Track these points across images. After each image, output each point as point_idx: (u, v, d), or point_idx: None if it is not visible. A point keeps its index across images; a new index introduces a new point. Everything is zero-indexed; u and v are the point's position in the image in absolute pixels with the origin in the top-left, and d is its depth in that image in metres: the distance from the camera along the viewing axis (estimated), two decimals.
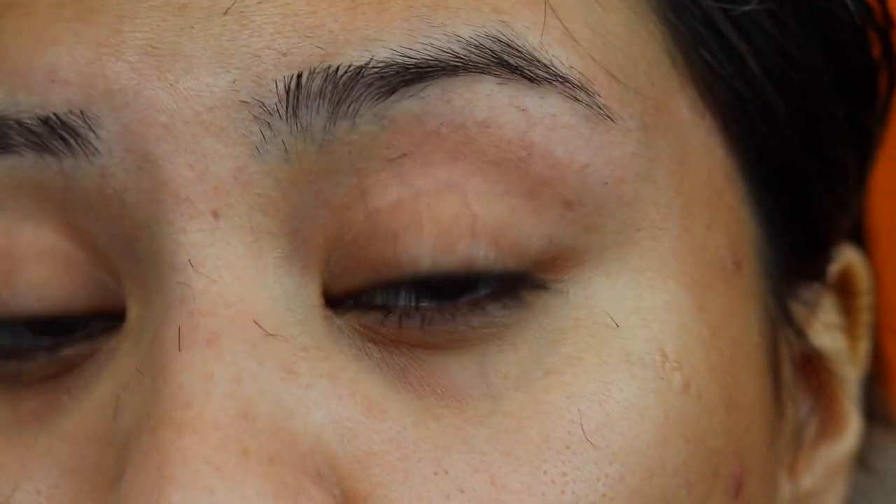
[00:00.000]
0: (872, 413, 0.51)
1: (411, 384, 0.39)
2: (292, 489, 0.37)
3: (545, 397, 0.39)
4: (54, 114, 0.39)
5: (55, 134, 0.39)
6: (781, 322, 0.45)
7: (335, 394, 0.38)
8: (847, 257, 0.48)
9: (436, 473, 0.38)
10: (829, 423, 0.47)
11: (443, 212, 0.38)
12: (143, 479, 0.36)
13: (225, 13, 0.38)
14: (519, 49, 0.39)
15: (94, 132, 0.38)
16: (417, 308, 0.39)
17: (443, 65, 0.38)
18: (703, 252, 0.42)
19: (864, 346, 0.48)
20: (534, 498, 0.38)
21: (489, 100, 0.39)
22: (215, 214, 0.38)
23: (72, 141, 0.39)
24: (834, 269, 0.47)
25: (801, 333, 0.46)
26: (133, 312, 0.39)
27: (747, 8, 0.42)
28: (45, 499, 0.39)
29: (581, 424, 0.39)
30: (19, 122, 0.39)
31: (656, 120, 0.41)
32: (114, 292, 0.40)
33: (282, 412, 0.37)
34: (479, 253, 0.39)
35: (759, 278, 0.44)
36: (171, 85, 0.38)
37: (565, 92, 0.39)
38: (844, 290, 0.48)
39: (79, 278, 0.40)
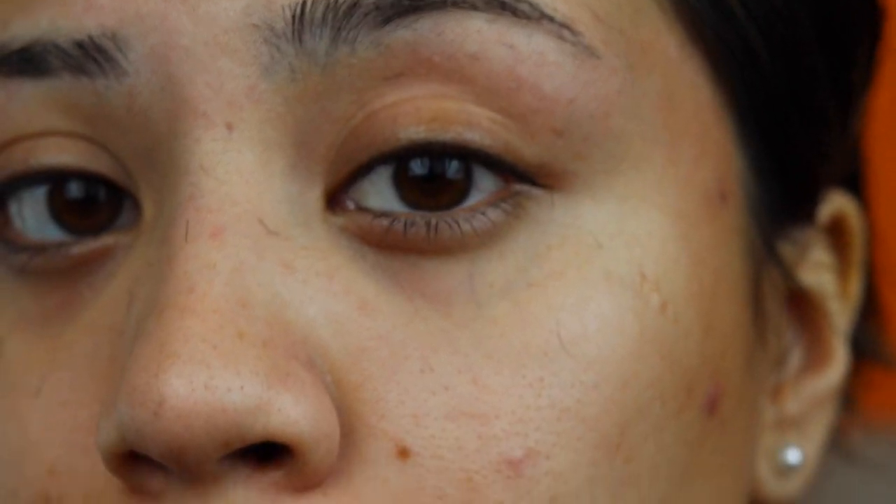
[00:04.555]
0: (866, 350, 0.53)
1: (402, 287, 0.42)
2: (283, 370, 0.40)
3: (527, 307, 0.42)
4: (89, 36, 0.42)
5: (89, 56, 0.42)
6: (766, 257, 0.47)
7: (330, 290, 0.41)
8: (838, 202, 0.50)
9: (422, 371, 0.41)
10: (815, 357, 0.50)
11: (442, 104, 0.41)
12: (146, 354, 0.39)
13: None
14: None
15: (123, 54, 0.42)
16: (420, 214, 0.42)
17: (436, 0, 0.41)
18: (688, 184, 0.44)
19: (854, 286, 0.51)
20: (512, 399, 0.41)
21: (479, 35, 0.42)
22: (229, 127, 0.42)
23: (104, 63, 0.42)
24: (824, 212, 0.50)
25: (787, 271, 0.48)
26: (147, 214, 0.43)
27: None
28: (69, 389, 0.43)
29: (559, 334, 0.41)
30: (57, 46, 0.42)
31: (641, 59, 0.43)
32: (129, 188, 0.43)
33: (277, 302, 0.41)
34: (474, 137, 0.41)
35: (745, 214, 0.46)
36: (192, 9, 0.42)
37: (552, 31, 0.42)
38: (836, 232, 0.50)
39: (98, 158, 0.43)
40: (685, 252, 0.44)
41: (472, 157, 0.42)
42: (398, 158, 0.42)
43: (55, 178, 0.44)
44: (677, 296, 0.43)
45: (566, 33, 0.42)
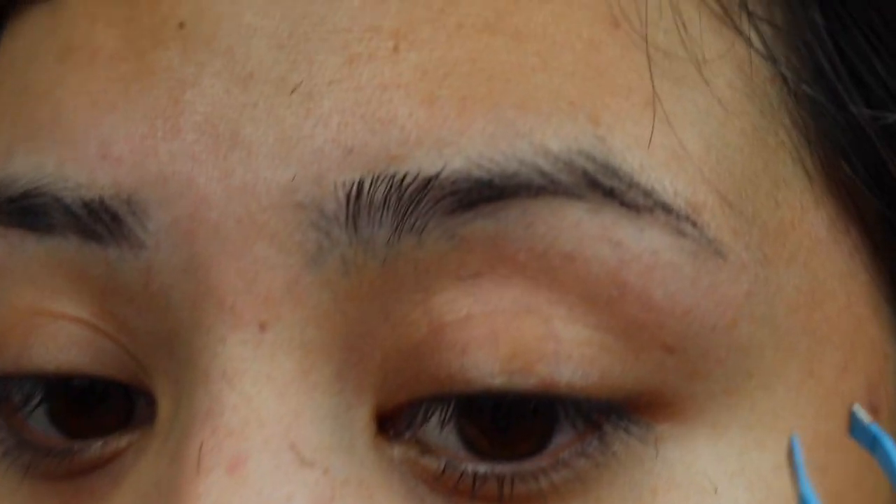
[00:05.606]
0: None
1: None
2: None
3: None
4: (100, 197, 0.35)
5: (99, 220, 0.35)
6: None
7: None
8: None
9: None
10: None
11: (522, 331, 0.33)
12: None
13: (292, 92, 0.34)
14: (615, 170, 0.33)
15: (140, 223, 0.34)
16: (489, 466, 0.34)
17: (526, 183, 0.33)
18: (830, 400, 0.36)
19: None
20: None
21: (577, 229, 0.33)
22: (262, 327, 0.34)
23: (117, 231, 0.35)
24: None
25: None
26: (164, 411, 0.35)
27: None
28: None
29: None
30: (61, 202, 0.35)
31: (780, 248, 0.35)
32: (142, 383, 0.36)
33: None
34: (562, 378, 0.33)
35: None
36: (225, 176, 0.34)
37: (669, 224, 0.34)
38: None
39: (104, 356, 0.36)
40: (821, 489, 0.35)
41: (557, 401, 0.34)
42: (467, 401, 0.34)
43: (52, 382, 0.36)
44: None
45: (687, 227, 0.34)
